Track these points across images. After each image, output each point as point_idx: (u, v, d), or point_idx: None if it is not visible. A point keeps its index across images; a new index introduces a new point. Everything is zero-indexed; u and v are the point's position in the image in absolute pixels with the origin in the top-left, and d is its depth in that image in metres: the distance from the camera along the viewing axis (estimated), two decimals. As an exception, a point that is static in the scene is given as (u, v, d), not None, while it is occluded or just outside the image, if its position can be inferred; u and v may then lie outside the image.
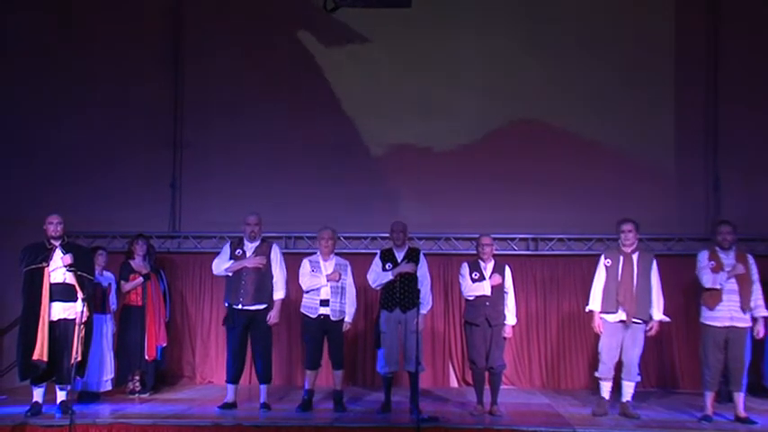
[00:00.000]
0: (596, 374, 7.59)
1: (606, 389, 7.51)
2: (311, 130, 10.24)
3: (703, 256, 7.37)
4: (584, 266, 9.36)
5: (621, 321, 7.41)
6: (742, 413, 7.18)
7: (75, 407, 7.05)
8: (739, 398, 7.21)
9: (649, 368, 9.48)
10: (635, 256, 7.52)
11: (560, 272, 9.79)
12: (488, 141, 10.13)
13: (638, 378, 7.51)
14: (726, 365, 7.33)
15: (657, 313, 7.46)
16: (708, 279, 7.24)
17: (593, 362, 7.69)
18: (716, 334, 7.21)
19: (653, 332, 7.49)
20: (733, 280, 7.19)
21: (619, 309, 7.40)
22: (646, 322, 7.44)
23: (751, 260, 7.33)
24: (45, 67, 10.43)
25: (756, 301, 7.23)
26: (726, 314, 7.18)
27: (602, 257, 7.68)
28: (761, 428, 7.02)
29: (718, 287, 7.19)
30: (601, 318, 7.54)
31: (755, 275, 7.29)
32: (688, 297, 9.40)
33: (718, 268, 7.23)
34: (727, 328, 7.18)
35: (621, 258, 7.51)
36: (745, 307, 7.18)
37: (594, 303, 7.58)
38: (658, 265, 7.60)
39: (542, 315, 9.84)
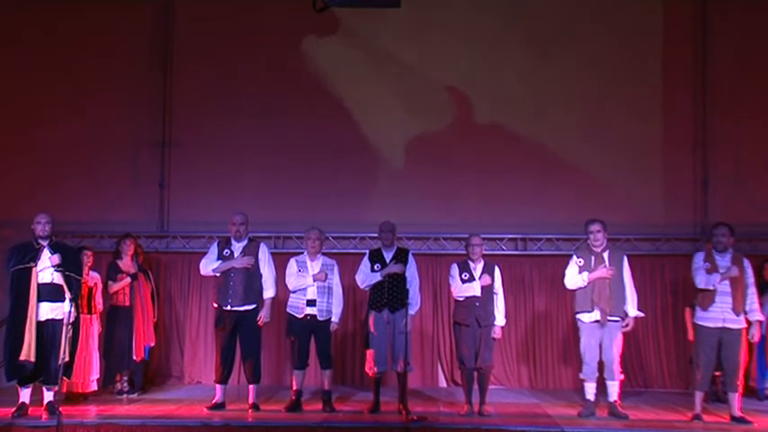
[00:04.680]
0: (580, 376, 7.61)
1: (591, 390, 7.51)
2: (300, 129, 10.24)
3: (699, 258, 7.40)
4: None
5: (596, 321, 7.44)
6: (737, 413, 7.18)
7: (61, 408, 7.01)
8: (734, 398, 7.22)
9: (636, 368, 9.54)
10: (605, 255, 7.56)
11: (549, 272, 9.81)
12: (477, 142, 10.15)
13: (621, 376, 7.51)
14: (720, 367, 7.39)
15: (632, 310, 7.50)
16: (701, 280, 7.26)
17: (581, 361, 7.71)
18: (709, 334, 7.23)
19: (629, 328, 7.52)
20: (726, 282, 7.20)
21: (594, 308, 7.42)
22: (622, 319, 7.47)
23: (746, 264, 7.33)
24: (32, 66, 10.38)
25: (752, 304, 7.25)
26: (718, 315, 7.19)
27: (574, 257, 7.69)
28: (756, 429, 7.03)
29: (710, 288, 7.21)
30: (577, 318, 7.58)
31: (750, 279, 7.30)
32: (676, 296, 9.47)
33: (712, 270, 7.25)
34: (720, 329, 7.19)
35: (593, 258, 7.54)
36: (737, 309, 7.17)
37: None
38: (629, 261, 7.64)
39: (531, 315, 9.87)
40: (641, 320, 7.70)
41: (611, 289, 7.41)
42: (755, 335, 7.29)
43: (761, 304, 8.49)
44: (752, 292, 7.29)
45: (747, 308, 7.22)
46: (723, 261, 7.30)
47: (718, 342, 7.21)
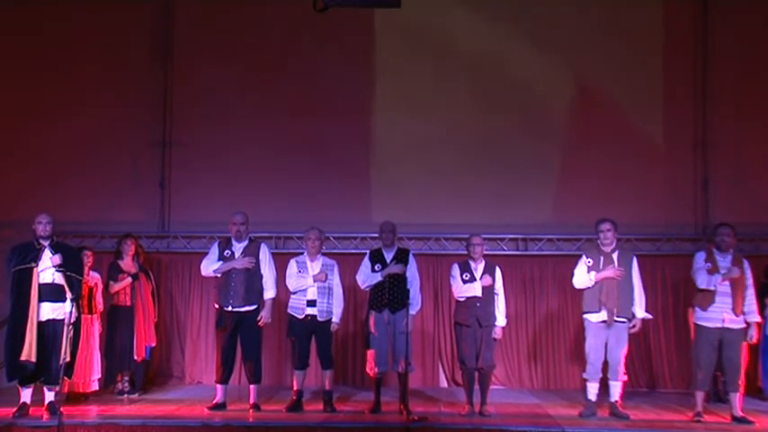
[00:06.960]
0: (584, 376, 7.59)
1: (593, 390, 7.50)
2: (301, 129, 10.23)
3: (700, 258, 7.38)
4: (573, 266, 9.34)
5: (603, 321, 7.43)
6: (739, 413, 7.18)
7: (62, 408, 7.00)
8: (735, 398, 7.22)
9: (637, 368, 9.55)
10: (615, 255, 7.54)
11: (550, 272, 9.82)
12: (478, 142, 10.14)
13: (625, 377, 7.52)
14: (721, 367, 7.39)
15: (640, 311, 7.49)
16: (702, 280, 7.25)
17: (582, 361, 7.71)
18: (709, 334, 7.22)
19: (636, 330, 7.52)
20: (726, 282, 7.20)
21: (602, 308, 7.42)
22: (629, 320, 7.47)
23: (746, 265, 7.34)
24: (32, 66, 10.37)
25: (750, 306, 7.24)
26: (718, 315, 7.19)
27: (584, 257, 7.68)
28: (758, 429, 7.02)
29: (711, 288, 7.21)
30: (584, 318, 7.57)
31: (750, 280, 7.31)
32: (677, 296, 9.47)
33: (713, 270, 7.24)
34: (720, 329, 7.19)
35: (602, 258, 7.52)
36: (737, 310, 7.17)
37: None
38: (639, 262, 7.62)
39: (532, 315, 9.87)
40: (644, 321, 7.68)
41: (618, 289, 7.40)
42: (753, 336, 7.29)
43: (765, 305, 8.55)
44: (750, 294, 7.29)
45: (746, 309, 7.22)
46: (724, 261, 7.29)
47: (719, 342, 7.21)
